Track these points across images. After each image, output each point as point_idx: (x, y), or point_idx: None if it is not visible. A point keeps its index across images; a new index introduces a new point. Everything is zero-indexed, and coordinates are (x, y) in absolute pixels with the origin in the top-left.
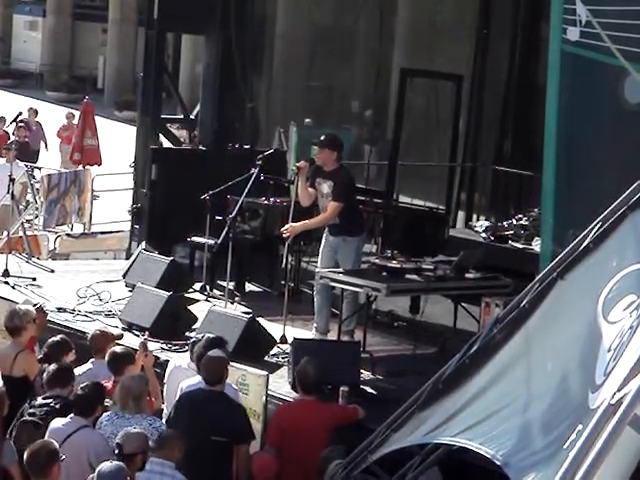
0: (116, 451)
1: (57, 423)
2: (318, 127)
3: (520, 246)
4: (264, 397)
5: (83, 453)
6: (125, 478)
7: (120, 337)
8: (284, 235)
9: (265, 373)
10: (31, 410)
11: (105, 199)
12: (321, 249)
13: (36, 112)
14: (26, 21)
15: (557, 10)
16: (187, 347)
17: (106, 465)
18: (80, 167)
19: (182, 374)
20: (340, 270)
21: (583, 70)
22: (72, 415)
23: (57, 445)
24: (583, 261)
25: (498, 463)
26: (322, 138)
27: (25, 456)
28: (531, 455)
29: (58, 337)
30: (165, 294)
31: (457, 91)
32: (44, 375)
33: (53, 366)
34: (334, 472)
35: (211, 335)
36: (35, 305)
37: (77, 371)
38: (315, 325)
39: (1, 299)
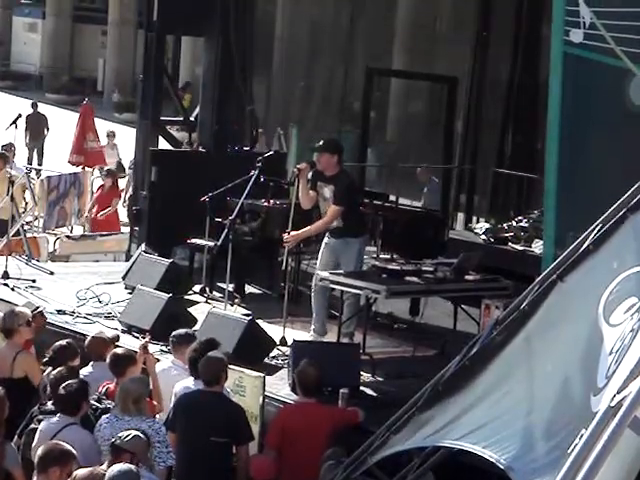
0: (110, 450)
1: (46, 423)
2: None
3: (520, 248)
4: (261, 399)
5: None
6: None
7: (117, 339)
8: (284, 244)
9: (261, 375)
10: (40, 417)
11: None
12: (321, 250)
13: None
14: (25, 23)
15: (559, 12)
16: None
17: (118, 467)
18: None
19: (167, 374)
20: (340, 272)
21: (587, 72)
22: (59, 414)
23: (70, 448)
24: (583, 263)
25: (502, 467)
26: (321, 143)
27: (39, 453)
28: (535, 460)
29: (64, 342)
30: (165, 296)
31: (450, 93)
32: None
33: (58, 371)
34: (331, 473)
35: (204, 338)
36: (36, 308)
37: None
38: (313, 327)
39: (1, 301)
